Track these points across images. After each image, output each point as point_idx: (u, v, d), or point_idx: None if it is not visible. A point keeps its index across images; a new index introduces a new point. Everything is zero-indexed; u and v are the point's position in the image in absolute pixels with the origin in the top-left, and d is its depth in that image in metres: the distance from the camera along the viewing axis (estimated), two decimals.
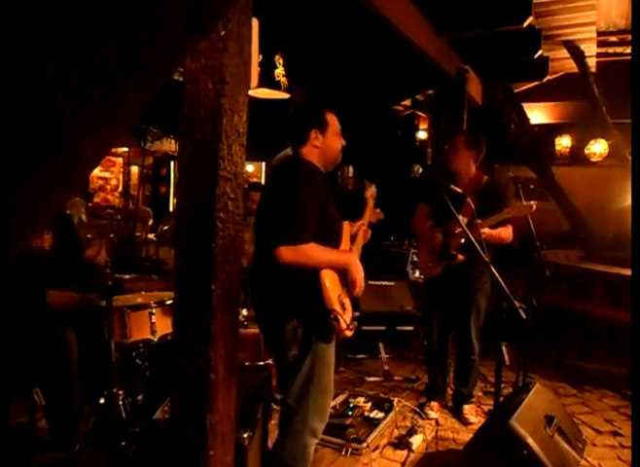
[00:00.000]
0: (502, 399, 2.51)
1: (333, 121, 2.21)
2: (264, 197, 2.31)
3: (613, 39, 5.05)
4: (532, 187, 3.46)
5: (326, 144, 2.19)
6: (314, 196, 2.03)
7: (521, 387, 2.92)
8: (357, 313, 2.20)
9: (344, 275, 2.12)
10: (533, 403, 2.59)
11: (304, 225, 1.96)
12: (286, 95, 4.22)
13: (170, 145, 9.34)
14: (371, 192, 2.66)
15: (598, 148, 6.64)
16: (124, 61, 1.18)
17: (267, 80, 3.98)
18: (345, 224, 2.33)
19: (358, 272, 2.13)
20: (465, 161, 3.28)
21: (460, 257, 3.16)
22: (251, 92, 3.06)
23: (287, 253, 1.91)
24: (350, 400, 3.39)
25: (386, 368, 4.14)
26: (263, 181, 11.47)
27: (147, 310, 2.84)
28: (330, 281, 2.00)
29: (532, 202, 3.06)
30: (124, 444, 2.39)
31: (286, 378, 2.16)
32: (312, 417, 2.12)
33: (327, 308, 1.97)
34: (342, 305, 2.04)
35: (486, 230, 3.00)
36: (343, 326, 1.99)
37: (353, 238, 2.41)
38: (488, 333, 3.27)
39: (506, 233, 3.17)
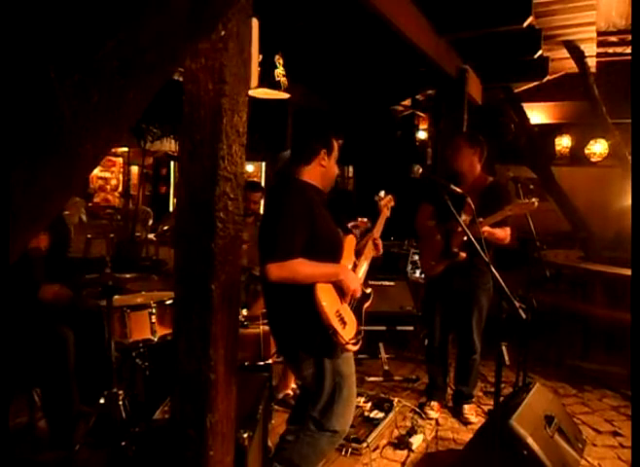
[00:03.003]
0: (502, 399, 2.50)
1: (336, 146, 2.30)
2: (262, 219, 2.37)
3: (613, 39, 5.04)
4: (532, 187, 3.45)
5: (330, 166, 2.27)
6: (297, 213, 2.07)
7: (521, 387, 2.92)
8: (362, 327, 2.21)
9: (342, 289, 2.14)
10: (533, 403, 2.59)
11: (289, 242, 2.01)
12: (286, 95, 4.22)
13: (170, 145, 9.35)
14: (386, 201, 2.67)
15: (598, 148, 6.64)
16: (124, 61, 1.18)
17: (267, 80, 3.98)
18: (348, 238, 2.34)
19: (350, 282, 2.16)
20: (468, 159, 3.28)
21: (462, 254, 3.16)
22: (251, 92, 3.06)
23: (274, 270, 1.98)
24: None
25: (386, 368, 4.14)
26: (263, 181, 11.49)
27: (147, 310, 2.84)
28: (326, 297, 2.03)
29: (534, 199, 3.05)
30: (124, 444, 2.39)
31: (308, 394, 2.21)
32: (335, 429, 2.17)
33: (324, 325, 1.99)
34: (342, 321, 2.06)
35: (487, 228, 3.00)
36: (343, 342, 2.03)
37: (360, 251, 2.42)
38: (489, 333, 3.27)
39: (503, 233, 3.17)
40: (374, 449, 2.92)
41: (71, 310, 2.90)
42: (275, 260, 1.98)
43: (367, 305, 2.31)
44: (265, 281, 2.09)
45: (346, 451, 2.84)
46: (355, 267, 2.33)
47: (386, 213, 2.66)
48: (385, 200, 2.67)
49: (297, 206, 2.09)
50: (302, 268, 2.01)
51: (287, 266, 1.98)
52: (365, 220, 2.68)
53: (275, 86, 4.06)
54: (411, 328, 4.56)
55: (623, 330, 4.36)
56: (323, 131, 2.31)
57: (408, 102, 8.62)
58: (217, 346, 1.71)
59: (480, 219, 2.82)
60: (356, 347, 2.11)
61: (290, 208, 2.08)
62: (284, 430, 2.30)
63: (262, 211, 3.89)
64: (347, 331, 2.07)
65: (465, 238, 3.11)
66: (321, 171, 2.25)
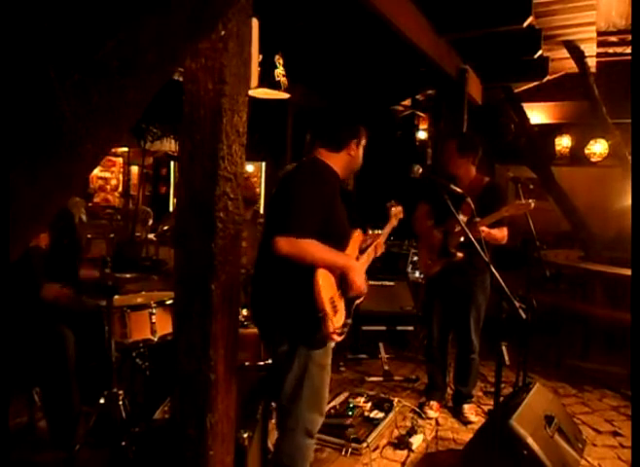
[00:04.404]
0: (502, 399, 2.50)
1: (365, 136, 2.32)
2: (272, 197, 2.33)
3: (613, 39, 5.04)
4: (532, 187, 3.45)
5: (357, 155, 2.29)
6: (317, 192, 2.05)
7: (521, 387, 2.92)
8: (350, 321, 2.19)
9: (342, 278, 2.12)
10: (533, 403, 2.59)
11: (304, 218, 1.98)
12: (286, 95, 4.22)
13: (170, 145, 9.34)
14: (396, 211, 2.68)
15: (598, 148, 6.64)
16: (124, 61, 1.18)
17: (267, 80, 3.98)
18: (356, 232, 2.34)
19: (356, 276, 2.13)
20: (461, 165, 3.26)
21: (459, 254, 3.17)
22: (251, 92, 3.06)
23: (284, 243, 1.93)
24: (350, 400, 3.39)
25: (386, 368, 4.14)
26: (263, 181, 11.48)
27: (147, 310, 2.84)
28: (324, 281, 2.00)
29: (530, 201, 3.06)
30: (124, 444, 2.39)
31: (279, 377, 2.16)
32: (305, 417, 2.11)
33: (316, 307, 1.96)
34: (334, 308, 2.03)
35: (485, 228, 3.01)
36: (330, 329, 1.98)
37: (365, 250, 2.41)
38: (488, 333, 3.27)
39: (501, 233, 3.17)
40: (374, 449, 2.91)
41: (71, 310, 2.90)
42: (287, 234, 1.93)
43: (359, 301, 2.30)
44: (265, 256, 2.06)
45: (346, 451, 2.84)
46: (357, 261, 2.33)
47: (394, 223, 2.67)
48: (396, 210, 2.69)
49: (318, 188, 2.07)
50: (313, 248, 1.97)
51: (298, 243, 1.93)
52: (378, 232, 2.68)
53: (275, 86, 4.06)
54: (411, 328, 4.56)
55: (623, 330, 4.37)
56: (353, 122, 2.32)
57: (408, 102, 8.61)
58: (217, 346, 1.72)
59: (477, 219, 2.82)
60: (339, 338, 2.07)
61: (311, 188, 2.05)
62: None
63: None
64: (337, 319, 2.03)
65: (462, 239, 3.12)
66: (348, 160, 2.26)
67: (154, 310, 2.84)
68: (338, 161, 2.24)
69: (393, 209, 2.68)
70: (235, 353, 1.85)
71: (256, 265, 2.26)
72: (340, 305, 2.11)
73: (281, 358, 2.11)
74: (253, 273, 2.27)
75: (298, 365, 2.06)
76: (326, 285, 2.01)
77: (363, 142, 2.31)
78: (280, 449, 2.16)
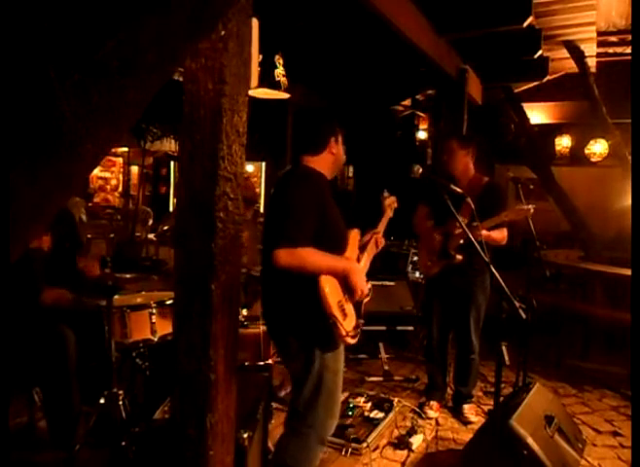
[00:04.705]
0: (502, 399, 2.50)
1: (341, 131, 2.33)
2: (268, 207, 2.35)
3: (613, 39, 5.04)
4: (532, 187, 3.46)
5: (339, 152, 2.30)
6: (309, 200, 2.07)
7: (521, 387, 2.92)
8: (362, 321, 2.20)
9: (346, 282, 2.13)
10: (533, 403, 2.59)
11: (299, 228, 2.00)
12: (286, 95, 4.23)
13: (170, 145, 9.36)
14: (390, 201, 2.68)
15: (598, 148, 6.64)
16: (124, 61, 1.18)
17: (267, 80, 3.98)
18: (353, 232, 2.34)
19: (358, 278, 2.14)
20: (462, 161, 3.29)
21: (458, 257, 3.17)
22: (251, 92, 3.06)
23: (283, 256, 1.95)
24: (350, 400, 3.39)
25: (386, 368, 4.14)
26: (263, 181, 11.49)
27: (147, 310, 2.84)
28: (329, 287, 2.01)
29: (530, 206, 3.07)
30: (124, 444, 2.39)
31: (296, 383, 2.18)
32: (320, 423, 2.14)
33: (326, 314, 1.97)
34: (343, 311, 2.05)
35: (484, 231, 3.01)
36: (343, 333, 2.01)
37: (364, 247, 2.42)
38: (488, 333, 3.27)
39: (500, 235, 3.17)
40: (374, 449, 2.92)
41: (72, 310, 2.90)
42: (286, 246, 1.95)
43: (366, 300, 2.30)
44: (268, 266, 2.07)
45: (346, 451, 2.85)
46: (358, 261, 2.33)
47: (389, 213, 2.67)
48: (389, 200, 2.68)
49: (308, 193, 2.08)
50: (312, 257, 1.99)
51: (297, 253, 1.95)
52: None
53: (275, 86, 4.07)
54: (411, 328, 4.56)
55: (623, 330, 4.37)
56: (327, 119, 2.32)
57: (408, 102, 8.63)
58: (217, 346, 1.71)
59: (476, 223, 2.82)
60: (354, 340, 2.10)
61: (301, 195, 2.07)
62: (282, 432, 2.30)
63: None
64: (347, 322, 2.06)
65: (462, 241, 3.12)
66: (332, 159, 2.28)
67: (154, 310, 2.84)
68: (323, 163, 2.25)
69: (387, 200, 2.68)
70: (235, 353, 1.84)
71: (262, 275, 2.27)
72: (349, 307, 2.13)
73: (296, 366, 2.14)
74: (261, 284, 2.28)
75: (313, 372, 2.09)
76: (332, 291, 2.02)
77: (341, 138, 2.32)
78: (286, 451, 2.16)
